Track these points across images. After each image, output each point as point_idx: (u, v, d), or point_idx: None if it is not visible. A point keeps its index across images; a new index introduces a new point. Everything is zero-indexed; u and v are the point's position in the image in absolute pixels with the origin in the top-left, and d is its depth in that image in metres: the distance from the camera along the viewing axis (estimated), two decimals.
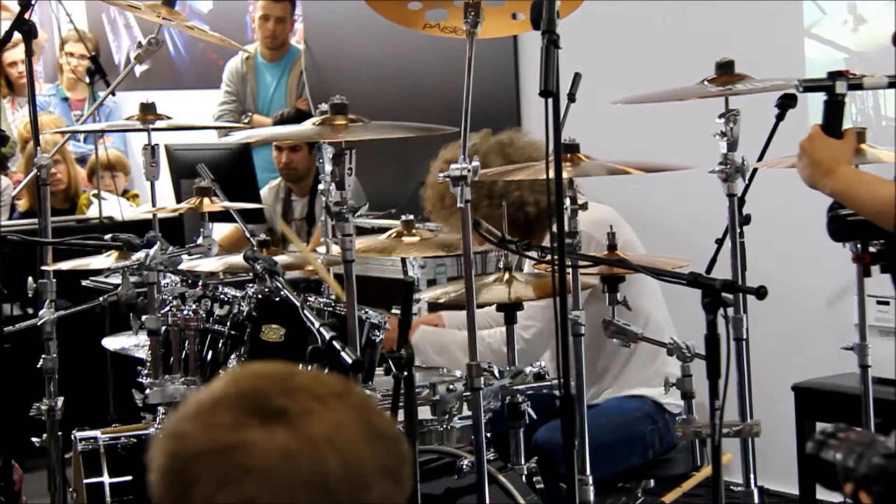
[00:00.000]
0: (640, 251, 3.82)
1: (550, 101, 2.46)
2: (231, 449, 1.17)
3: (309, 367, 2.53)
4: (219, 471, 1.17)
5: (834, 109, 2.57)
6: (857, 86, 2.57)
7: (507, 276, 3.36)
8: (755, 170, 3.14)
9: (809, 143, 2.56)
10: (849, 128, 2.57)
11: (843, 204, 2.56)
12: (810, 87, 2.63)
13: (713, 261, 3.30)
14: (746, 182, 3.13)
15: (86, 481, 3.49)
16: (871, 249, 2.61)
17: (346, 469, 1.18)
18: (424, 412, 3.12)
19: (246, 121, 6.67)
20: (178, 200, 5.23)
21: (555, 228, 2.59)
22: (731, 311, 2.81)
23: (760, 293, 2.69)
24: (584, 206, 3.09)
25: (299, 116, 5.61)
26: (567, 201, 3.03)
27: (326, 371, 2.56)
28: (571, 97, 3.57)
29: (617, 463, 3.76)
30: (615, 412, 3.82)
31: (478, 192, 3.60)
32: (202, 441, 1.19)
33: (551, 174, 2.49)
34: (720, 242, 3.26)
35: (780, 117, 3.54)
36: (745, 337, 3.04)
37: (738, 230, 3.09)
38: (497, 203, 3.59)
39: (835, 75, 2.57)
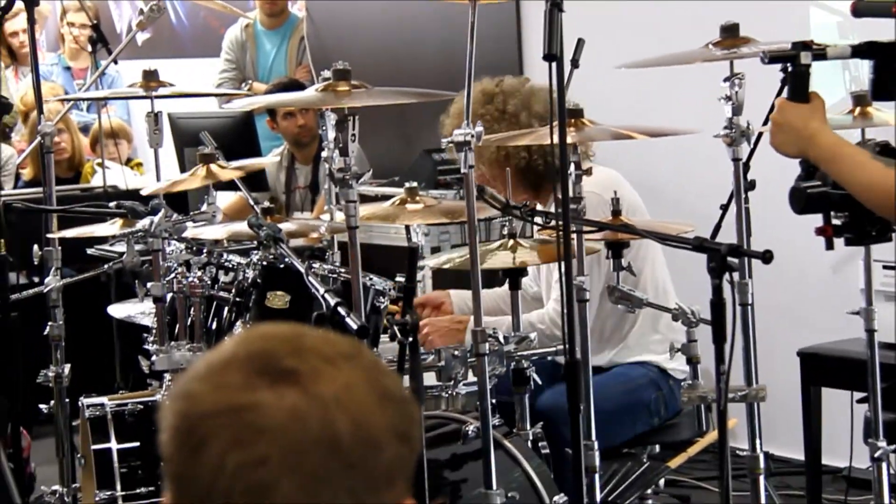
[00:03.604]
0: (645, 215, 3.80)
1: (554, 64, 2.46)
2: (242, 409, 1.17)
3: None
4: (230, 431, 1.17)
5: (799, 80, 2.56)
6: (820, 55, 2.56)
7: (511, 242, 3.36)
8: (760, 134, 3.12)
9: (781, 115, 2.55)
10: (813, 90, 2.56)
11: (825, 171, 2.54)
12: (776, 57, 2.62)
13: (718, 226, 3.28)
14: (751, 146, 3.12)
15: (93, 447, 3.51)
16: (836, 222, 2.57)
17: (356, 429, 1.18)
18: (430, 378, 3.13)
19: (246, 89, 6.65)
20: (182, 169, 5.22)
21: (560, 194, 2.58)
22: (736, 275, 2.80)
23: (766, 257, 2.69)
24: (589, 172, 3.08)
25: (295, 87, 5.59)
26: (571, 166, 3.02)
27: None
28: (575, 63, 3.54)
29: (622, 431, 3.75)
30: (620, 380, 3.81)
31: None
32: (213, 401, 1.19)
33: (556, 139, 2.49)
34: (725, 208, 3.25)
35: (785, 81, 3.51)
36: (750, 302, 3.03)
37: (744, 195, 3.08)
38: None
39: (799, 46, 2.56)
